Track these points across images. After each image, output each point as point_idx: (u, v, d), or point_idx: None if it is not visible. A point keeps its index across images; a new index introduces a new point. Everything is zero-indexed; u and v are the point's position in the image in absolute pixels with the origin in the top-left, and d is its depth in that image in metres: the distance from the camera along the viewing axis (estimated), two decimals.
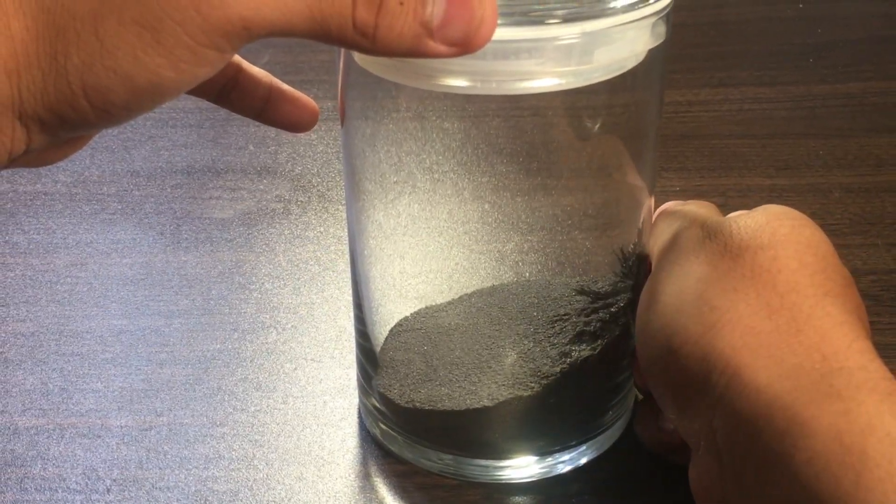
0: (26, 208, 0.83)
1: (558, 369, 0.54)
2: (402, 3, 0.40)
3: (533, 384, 0.54)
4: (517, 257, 0.57)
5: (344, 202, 0.54)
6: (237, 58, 0.55)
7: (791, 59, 1.13)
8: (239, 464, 0.57)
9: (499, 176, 0.55)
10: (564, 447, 0.57)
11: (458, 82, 0.45)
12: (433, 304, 0.59)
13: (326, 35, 0.41)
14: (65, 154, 0.47)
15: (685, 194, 0.83)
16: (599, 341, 0.55)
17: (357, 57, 0.49)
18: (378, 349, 0.58)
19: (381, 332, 0.58)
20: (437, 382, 0.55)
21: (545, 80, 0.45)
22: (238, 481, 0.56)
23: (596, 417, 0.57)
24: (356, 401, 0.62)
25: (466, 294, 0.58)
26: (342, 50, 0.51)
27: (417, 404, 0.55)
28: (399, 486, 0.57)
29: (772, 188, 0.85)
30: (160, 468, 0.57)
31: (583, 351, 0.54)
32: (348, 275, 0.58)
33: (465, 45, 0.42)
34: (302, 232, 0.79)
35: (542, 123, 0.53)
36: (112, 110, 0.41)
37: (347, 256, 0.59)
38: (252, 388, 0.63)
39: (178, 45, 0.39)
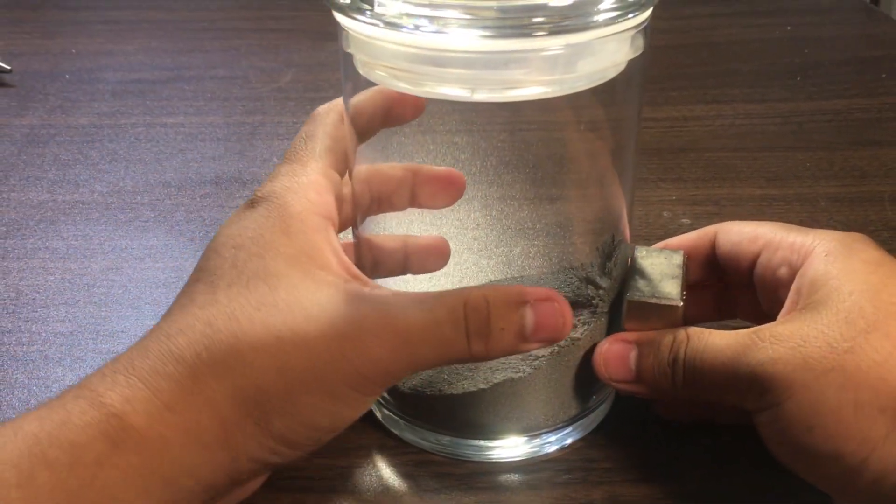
0: (65, 216, 0.84)
1: (547, 353, 0.54)
2: (503, 329, 0.48)
3: (525, 367, 0.54)
4: (523, 262, 0.57)
5: None
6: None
7: (780, 77, 1.13)
8: None
9: (506, 186, 0.55)
10: (552, 428, 0.57)
11: (451, 90, 0.46)
12: None
13: (451, 362, 0.50)
14: (253, 487, 0.52)
15: (681, 203, 0.83)
16: (584, 328, 0.55)
17: (357, 64, 0.50)
18: None
19: None
20: (438, 370, 0.55)
21: (531, 88, 0.46)
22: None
23: (582, 400, 0.57)
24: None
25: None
26: (344, 67, 0.52)
27: (419, 389, 0.56)
28: (399, 463, 0.57)
29: (762, 198, 0.85)
30: None
31: (569, 339, 0.54)
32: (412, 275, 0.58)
33: (554, 340, 0.50)
34: None
35: (545, 137, 0.54)
36: (304, 448, 0.49)
37: None
38: None
39: (350, 399, 0.48)
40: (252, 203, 0.52)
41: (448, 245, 0.58)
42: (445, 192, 0.56)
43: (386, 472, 0.56)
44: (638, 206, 0.83)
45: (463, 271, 0.58)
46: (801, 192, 0.86)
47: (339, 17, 0.48)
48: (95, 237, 0.80)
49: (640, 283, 0.55)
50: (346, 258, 0.51)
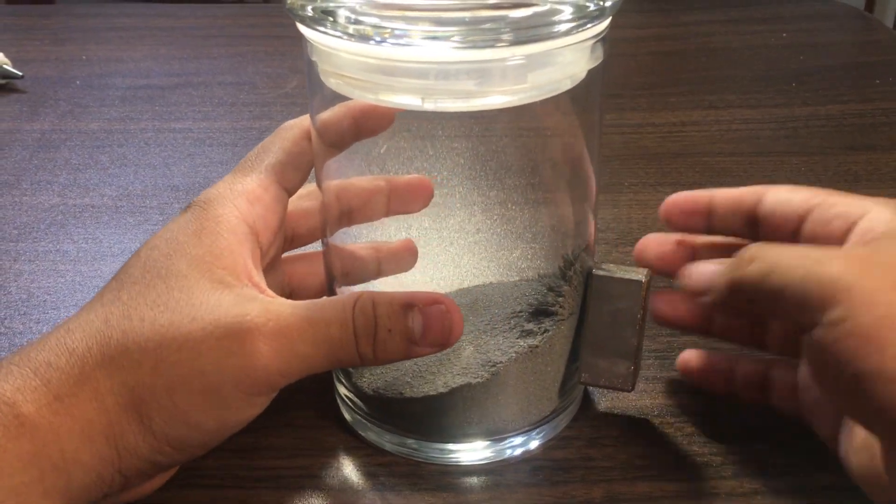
0: (76, 220, 0.84)
1: (505, 359, 0.54)
2: (390, 331, 0.49)
3: (483, 373, 0.54)
4: (523, 263, 0.57)
5: None
6: None
7: (775, 83, 1.13)
8: (272, 452, 0.57)
9: (508, 190, 0.55)
10: (515, 432, 0.57)
11: (407, 100, 0.47)
12: None
13: (341, 364, 0.50)
14: (154, 485, 0.53)
15: None
16: (543, 336, 0.55)
17: (322, 75, 0.50)
18: None
19: None
20: (402, 373, 0.55)
21: (490, 98, 0.46)
22: (272, 468, 0.56)
23: (544, 405, 0.57)
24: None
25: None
26: (309, 78, 0.52)
27: (381, 391, 0.56)
28: (364, 465, 0.57)
29: None
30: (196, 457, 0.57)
31: (527, 344, 0.55)
32: (379, 279, 0.58)
33: (444, 345, 0.50)
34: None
35: (509, 145, 0.54)
36: (191, 450, 0.49)
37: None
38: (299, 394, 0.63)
39: (235, 400, 0.48)
40: (185, 208, 0.53)
41: (415, 245, 0.58)
42: (418, 198, 0.56)
43: (351, 472, 0.56)
44: (636, 209, 0.83)
45: (463, 274, 0.58)
46: None
47: (301, 28, 0.49)
48: (105, 240, 0.81)
49: (604, 266, 0.56)
50: (254, 267, 0.52)
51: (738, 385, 0.58)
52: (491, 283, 0.58)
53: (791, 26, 1.34)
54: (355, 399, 0.58)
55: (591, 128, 0.54)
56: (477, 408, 0.55)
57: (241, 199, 0.53)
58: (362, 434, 0.58)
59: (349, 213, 0.56)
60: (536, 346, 0.55)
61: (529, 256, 0.57)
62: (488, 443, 0.56)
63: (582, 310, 0.56)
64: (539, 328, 0.55)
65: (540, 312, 0.56)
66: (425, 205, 0.56)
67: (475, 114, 0.49)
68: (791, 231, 0.53)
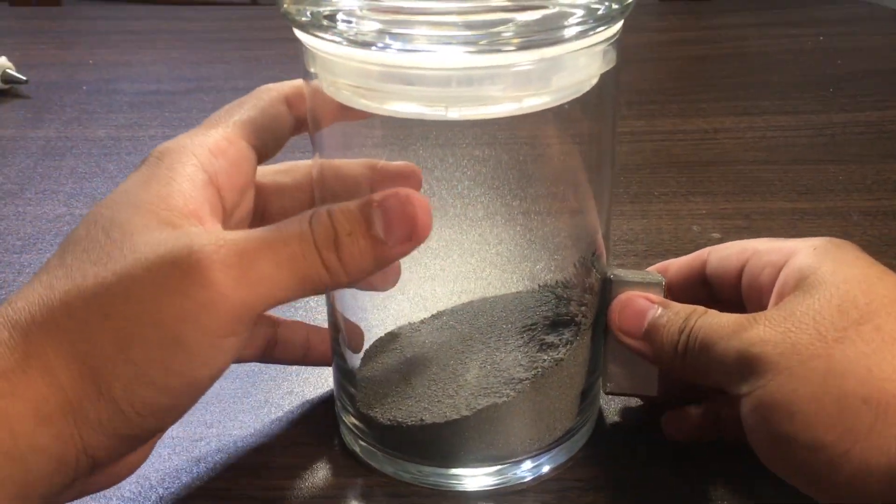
0: None
1: (530, 375, 0.54)
2: (350, 234, 0.45)
3: (508, 391, 0.54)
4: (498, 280, 0.57)
5: None
6: (271, 315, 0.59)
7: (811, 89, 1.13)
8: (283, 472, 0.57)
9: (528, 200, 0.55)
10: (538, 452, 0.56)
11: (423, 109, 0.46)
12: (412, 321, 0.59)
13: (313, 285, 0.46)
14: (132, 466, 0.50)
15: (711, 217, 0.83)
16: (567, 347, 0.55)
17: (325, 88, 0.49)
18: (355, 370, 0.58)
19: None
20: (416, 398, 0.55)
21: (504, 105, 0.46)
22: (283, 489, 0.56)
23: (567, 421, 0.57)
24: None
25: (440, 312, 0.59)
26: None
27: (399, 420, 0.55)
28: (431, 494, 0.56)
29: (793, 212, 0.84)
30: (210, 477, 0.57)
31: (551, 358, 0.54)
32: (391, 292, 0.57)
33: (413, 238, 0.46)
34: None
35: (521, 153, 0.54)
36: (161, 416, 0.45)
37: None
38: (297, 400, 0.63)
39: (200, 346, 0.43)
40: (141, 162, 0.50)
41: (418, 171, 0.55)
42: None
43: None
44: (667, 220, 0.83)
45: (483, 287, 0.58)
46: (834, 205, 0.86)
47: (305, 37, 0.48)
48: None
49: (621, 273, 0.56)
50: (211, 216, 0.49)
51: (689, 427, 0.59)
52: (486, 296, 0.58)
53: (827, 29, 1.33)
54: (365, 429, 0.57)
55: (604, 134, 0.54)
56: (503, 428, 0.55)
57: (202, 150, 0.50)
58: (375, 466, 0.58)
59: (335, 198, 0.54)
60: (562, 360, 0.54)
61: (541, 266, 0.57)
62: (509, 465, 0.56)
63: (599, 317, 0.56)
64: (561, 340, 0.55)
65: (559, 323, 0.55)
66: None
67: (488, 122, 0.48)
68: (734, 284, 0.57)
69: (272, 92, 0.54)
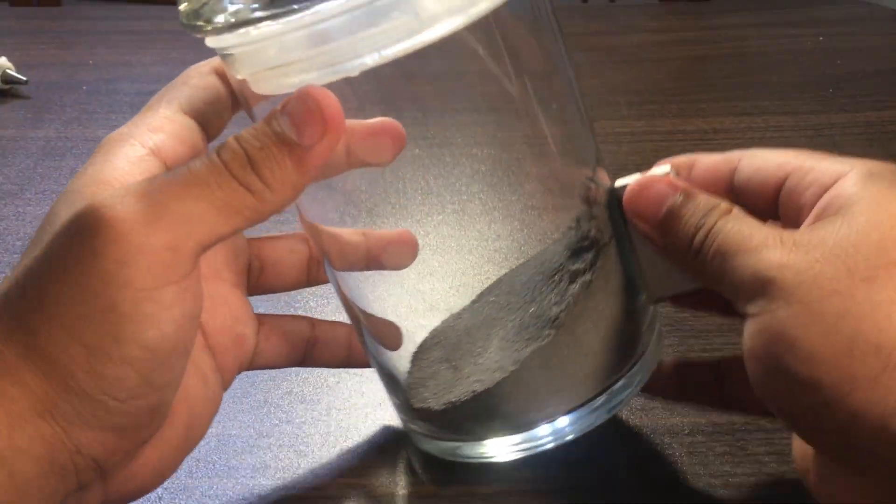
0: None
1: (563, 307, 0.52)
2: (261, 147, 0.43)
3: (547, 331, 0.52)
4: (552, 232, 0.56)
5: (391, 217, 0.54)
6: (307, 316, 0.58)
7: (811, 89, 1.13)
8: (284, 473, 0.57)
9: (526, 196, 0.55)
10: (602, 390, 0.54)
11: (353, 63, 0.44)
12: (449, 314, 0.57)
13: (239, 213, 0.43)
14: (155, 467, 0.48)
15: None
16: (591, 272, 0.53)
17: (255, 88, 0.48)
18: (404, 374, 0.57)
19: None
20: (466, 377, 0.54)
21: (437, 26, 0.44)
22: (284, 490, 0.56)
23: (626, 349, 0.55)
24: (395, 412, 0.61)
25: (479, 295, 0.57)
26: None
27: (453, 399, 0.54)
28: (434, 496, 0.57)
29: None
30: (209, 477, 0.57)
31: (580, 283, 0.52)
32: (390, 290, 0.57)
33: (329, 130, 0.44)
34: None
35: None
36: (138, 393, 0.42)
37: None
38: (297, 400, 0.64)
39: (137, 304, 0.41)
40: None
41: (413, 237, 0.54)
42: (381, 145, 0.51)
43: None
44: None
45: (447, 285, 0.57)
46: None
47: (213, 42, 0.47)
48: None
49: (622, 179, 0.54)
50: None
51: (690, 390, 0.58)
52: (515, 267, 0.56)
53: (827, 30, 1.33)
54: (422, 422, 0.56)
55: (552, 48, 0.53)
56: (556, 370, 0.53)
57: (140, 129, 0.49)
58: (436, 453, 0.57)
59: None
60: (590, 282, 0.52)
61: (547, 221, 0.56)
62: (574, 412, 0.54)
63: (619, 232, 0.54)
64: (585, 264, 0.53)
65: (580, 250, 0.53)
66: (393, 156, 0.51)
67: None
68: (769, 201, 0.52)
69: (201, 67, 0.53)
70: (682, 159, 0.55)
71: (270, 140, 0.43)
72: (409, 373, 0.56)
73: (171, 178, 0.42)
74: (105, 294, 0.40)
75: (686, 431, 0.59)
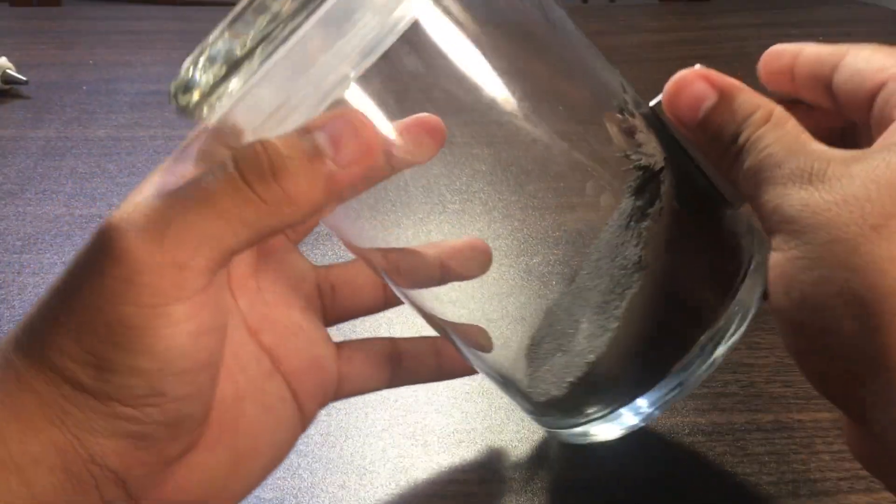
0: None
1: (640, 247, 0.49)
2: (291, 157, 0.41)
3: (633, 278, 0.49)
4: (543, 269, 0.56)
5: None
6: (390, 337, 0.57)
7: None
8: (284, 472, 0.57)
9: (527, 196, 0.55)
10: (707, 341, 0.50)
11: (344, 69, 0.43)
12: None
13: (252, 226, 0.41)
14: (187, 486, 0.45)
15: None
16: (658, 201, 0.49)
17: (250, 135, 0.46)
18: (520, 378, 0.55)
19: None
20: (578, 353, 0.51)
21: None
22: (283, 489, 0.56)
23: (722, 278, 0.51)
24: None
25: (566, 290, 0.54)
26: None
27: (572, 380, 0.52)
28: (438, 494, 0.57)
29: None
30: None
31: (651, 214, 0.50)
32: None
33: (367, 157, 0.42)
34: None
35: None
36: (152, 401, 0.41)
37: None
38: None
39: (145, 320, 0.40)
40: None
41: (484, 245, 0.52)
42: (422, 142, 0.48)
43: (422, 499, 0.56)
44: None
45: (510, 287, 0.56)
46: None
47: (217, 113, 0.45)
48: None
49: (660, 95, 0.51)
50: None
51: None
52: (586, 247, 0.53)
53: (827, 30, 1.33)
54: (549, 416, 0.55)
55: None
56: (653, 314, 0.50)
57: None
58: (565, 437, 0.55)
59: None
60: (662, 209, 0.49)
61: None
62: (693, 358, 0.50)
63: (672, 149, 0.51)
64: (650, 196, 0.50)
65: (642, 186, 0.50)
66: (433, 152, 0.49)
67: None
68: (862, 108, 0.46)
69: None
70: (788, 47, 0.52)
71: (301, 151, 0.41)
72: (527, 374, 0.54)
73: (180, 191, 0.41)
74: (112, 311, 0.40)
75: (686, 431, 0.59)
